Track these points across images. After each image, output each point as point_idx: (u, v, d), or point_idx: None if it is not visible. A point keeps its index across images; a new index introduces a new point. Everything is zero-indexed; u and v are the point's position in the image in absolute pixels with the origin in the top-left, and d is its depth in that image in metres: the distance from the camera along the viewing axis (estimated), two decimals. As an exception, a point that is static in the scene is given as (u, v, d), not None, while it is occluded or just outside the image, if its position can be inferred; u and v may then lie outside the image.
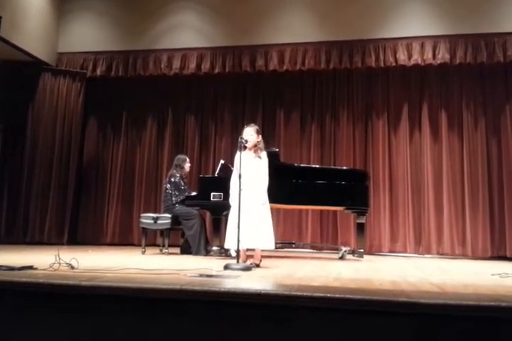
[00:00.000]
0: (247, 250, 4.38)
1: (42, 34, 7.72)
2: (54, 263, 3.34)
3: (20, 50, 7.24)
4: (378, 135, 7.58)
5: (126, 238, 7.98)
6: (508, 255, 6.80)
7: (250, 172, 4.31)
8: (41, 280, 2.70)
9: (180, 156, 6.61)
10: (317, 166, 7.10)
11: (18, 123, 7.69)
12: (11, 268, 3.16)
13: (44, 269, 3.24)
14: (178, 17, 7.86)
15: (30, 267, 3.30)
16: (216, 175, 6.03)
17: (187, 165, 6.51)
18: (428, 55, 7.02)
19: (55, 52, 8.09)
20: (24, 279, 2.74)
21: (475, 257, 6.84)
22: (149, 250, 6.11)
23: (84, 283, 2.65)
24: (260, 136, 4.53)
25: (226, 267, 3.82)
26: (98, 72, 7.99)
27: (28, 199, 7.50)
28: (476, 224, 7.00)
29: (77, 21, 8.14)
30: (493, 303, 2.30)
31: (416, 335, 2.33)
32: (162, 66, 7.77)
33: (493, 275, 3.98)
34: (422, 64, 7.10)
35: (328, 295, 2.41)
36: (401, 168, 7.46)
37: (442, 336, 2.32)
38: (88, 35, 8.10)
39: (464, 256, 6.94)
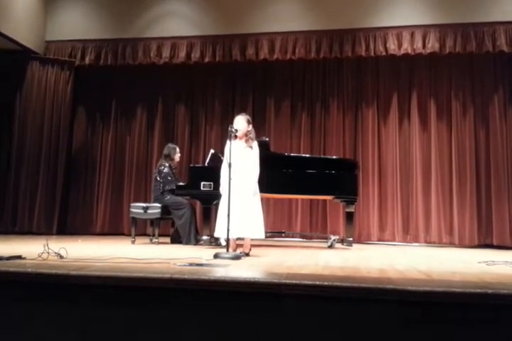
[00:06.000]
0: (237, 239, 4.40)
1: (29, 22, 7.60)
2: (43, 253, 3.33)
3: (7, 38, 7.12)
4: (368, 124, 7.60)
5: (116, 227, 7.95)
6: (494, 243, 6.89)
7: (241, 161, 4.31)
8: (30, 270, 2.70)
9: (171, 145, 6.57)
10: (307, 156, 7.12)
11: (5, 112, 7.60)
12: None
13: (33, 259, 3.23)
14: (167, 5, 7.76)
15: (19, 257, 3.28)
16: (206, 165, 6.02)
17: (177, 156, 6.48)
18: (418, 44, 7.02)
19: (43, 41, 7.97)
20: (12, 269, 2.73)
21: (462, 245, 6.92)
22: (139, 239, 6.11)
23: (73, 273, 2.65)
24: (251, 125, 4.52)
25: (216, 256, 3.84)
26: (87, 60, 7.89)
27: (16, 188, 7.44)
28: (463, 212, 7.07)
29: (65, 9, 8.02)
30: (479, 290, 2.33)
31: (404, 322, 2.37)
32: (151, 55, 7.69)
33: (479, 263, 4.04)
34: (412, 53, 7.10)
35: (317, 282, 2.43)
36: (390, 157, 7.50)
37: (430, 323, 2.35)
38: (76, 23, 7.97)
39: (451, 244, 7.02)
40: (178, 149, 6.54)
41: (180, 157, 6.72)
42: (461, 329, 2.34)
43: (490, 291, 2.31)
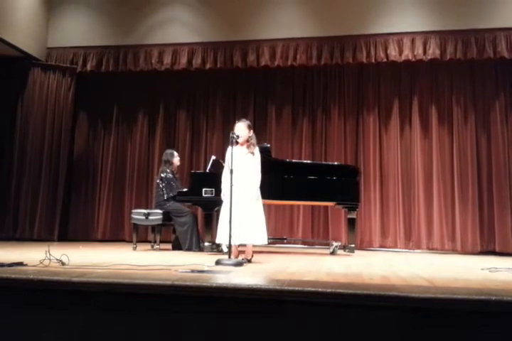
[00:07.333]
0: (239, 245, 4.38)
1: (31, 28, 7.63)
2: (44, 260, 3.32)
3: (9, 45, 7.14)
4: (369, 130, 7.60)
5: (117, 234, 7.94)
6: (497, 250, 6.86)
7: (242, 167, 4.31)
8: (31, 277, 2.68)
9: (168, 151, 6.55)
10: (308, 162, 7.12)
11: (7, 118, 7.62)
12: (1, 265, 3.13)
13: (34, 265, 3.22)
14: (169, 12, 7.80)
15: (20, 263, 3.27)
16: (207, 171, 6.02)
17: (176, 159, 6.46)
18: (419, 50, 7.03)
19: (45, 47, 8.00)
20: (14, 275, 2.72)
21: (464, 252, 6.90)
22: (140, 246, 6.09)
23: (75, 279, 2.64)
24: (252, 131, 4.52)
25: (218, 262, 3.82)
26: (88, 67, 7.92)
27: (17, 194, 7.43)
28: (465, 219, 7.05)
29: (67, 16, 8.06)
30: (482, 297, 2.32)
31: (406, 329, 2.35)
32: (153, 61, 7.72)
33: (482, 269, 4.02)
34: (413, 59, 7.12)
35: (320, 289, 2.42)
36: (391, 163, 7.49)
37: (433, 329, 2.33)
38: (78, 30, 8.01)
39: (453, 251, 6.99)
40: (175, 153, 6.52)
41: (181, 162, 6.72)
42: (464, 336, 2.32)
43: (493, 298, 2.29)
